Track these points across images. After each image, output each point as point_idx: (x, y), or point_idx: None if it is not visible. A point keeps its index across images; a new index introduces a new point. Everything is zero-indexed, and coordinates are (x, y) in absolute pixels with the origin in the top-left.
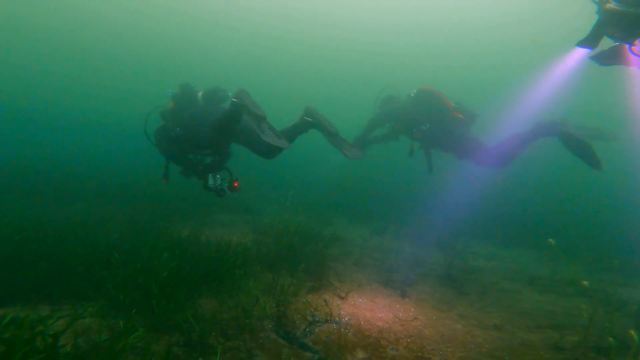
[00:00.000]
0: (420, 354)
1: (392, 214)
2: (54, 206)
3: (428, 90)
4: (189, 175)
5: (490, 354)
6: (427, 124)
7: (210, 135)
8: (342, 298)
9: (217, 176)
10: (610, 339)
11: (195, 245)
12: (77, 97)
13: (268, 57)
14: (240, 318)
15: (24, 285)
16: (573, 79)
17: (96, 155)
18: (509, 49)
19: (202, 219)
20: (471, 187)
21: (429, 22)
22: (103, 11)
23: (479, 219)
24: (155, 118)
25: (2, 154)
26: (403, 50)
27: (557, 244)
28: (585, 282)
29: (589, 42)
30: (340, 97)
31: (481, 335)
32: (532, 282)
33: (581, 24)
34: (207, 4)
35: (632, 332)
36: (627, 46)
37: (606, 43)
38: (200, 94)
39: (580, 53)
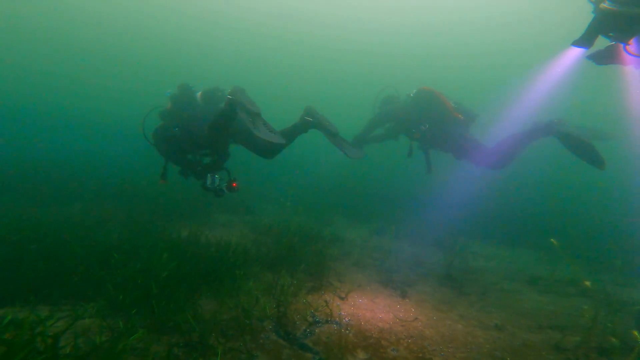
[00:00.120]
0: (421, 355)
1: (392, 214)
2: (53, 206)
3: (428, 91)
4: (188, 175)
5: (491, 355)
6: (426, 124)
7: (208, 134)
8: (342, 298)
9: (216, 176)
10: (614, 340)
11: (195, 245)
12: (75, 97)
13: (268, 57)
14: (241, 318)
15: (23, 286)
16: (569, 78)
17: (95, 155)
18: (509, 49)
19: (202, 219)
20: (470, 187)
21: (428, 23)
22: (102, 11)
23: (478, 219)
24: (154, 118)
25: (0, 154)
26: (403, 50)
27: (557, 244)
28: (587, 283)
29: (584, 41)
30: (340, 97)
31: (482, 335)
32: (532, 282)
33: (581, 24)
34: (206, 3)
35: (635, 332)
36: (622, 45)
37: (603, 43)
38: (199, 94)
39: (576, 52)
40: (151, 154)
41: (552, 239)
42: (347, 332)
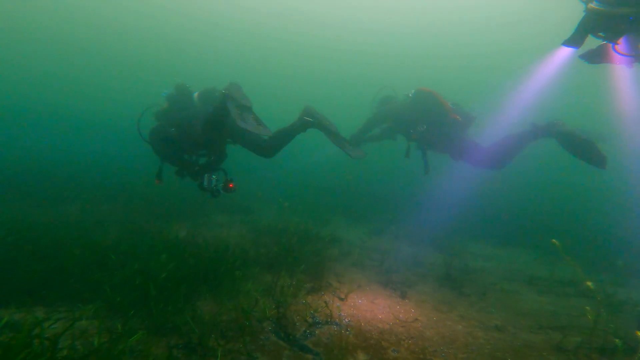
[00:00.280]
0: (422, 356)
1: (390, 214)
2: (50, 206)
3: (426, 91)
4: (184, 175)
5: (493, 356)
6: (424, 125)
7: (202, 132)
8: (342, 299)
9: (213, 177)
10: (617, 341)
11: (193, 246)
12: (72, 97)
13: (266, 58)
14: (240, 320)
15: (19, 287)
16: (561, 77)
17: (92, 155)
18: (508, 50)
19: (200, 220)
20: (467, 188)
21: (427, 23)
22: (100, 11)
23: (477, 219)
24: (149, 117)
25: None
26: (401, 50)
27: (558, 245)
28: (589, 284)
29: (573, 41)
30: (339, 97)
31: (483, 336)
32: (531, 282)
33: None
34: (205, 4)
35: (638, 333)
36: (611, 45)
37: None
38: (196, 94)
39: (566, 52)
40: (148, 154)
41: (553, 240)
42: (348, 333)
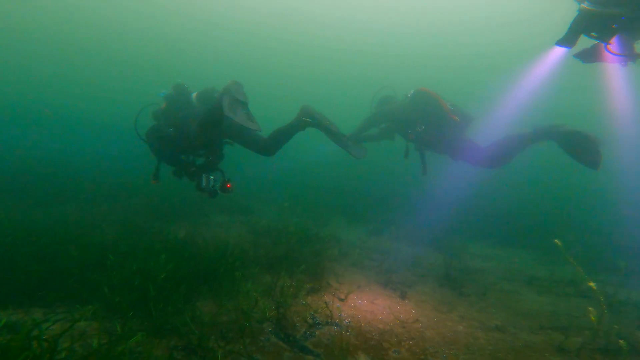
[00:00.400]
0: (423, 357)
1: (389, 215)
2: (48, 207)
3: (424, 92)
4: (181, 176)
5: (494, 357)
6: (422, 126)
7: (199, 132)
8: (341, 300)
9: (210, 177)
10: (622, 342)
11: (193, 246)
12: (71, 97)
13: (266, 58)
14: (240, 321)
15: (16, 288)
16: (553, 77)
17: (91, 155)
18: (508, 50)
19: (199, 220)
20: (466, 188)
21: (426, 23)
22: (100, 11)
23: (476, 219)
24: (146, 116)
25: None
26: (401, 50)
27: (560, 245)
28: (592, 284)
29: (566, 40)
30: (338, 97)
31: (483, 337)
32: (531, 282)
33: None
34: (205, 4)
35: None
36: (603, 45)
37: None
38: (194, 95)
39: (559, 52)
40: (147, 154)
41: (555, 240)
42: (348, 334)
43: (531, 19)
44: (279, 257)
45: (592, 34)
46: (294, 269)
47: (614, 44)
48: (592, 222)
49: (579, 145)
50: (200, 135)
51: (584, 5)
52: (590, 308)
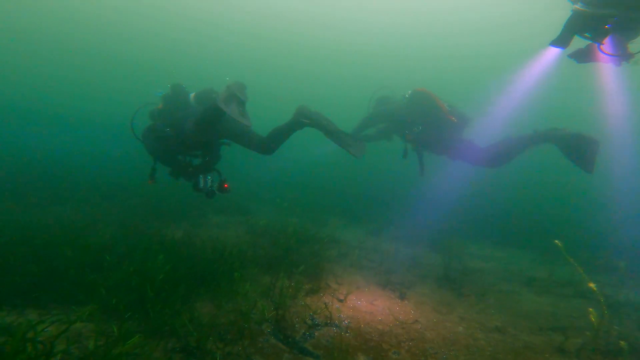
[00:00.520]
0: (423, 358)
1: (388, 215)
2: (44, 206)
3: (422, 92)
4: (178, 176)
5: (494, 357)
6: (419, 126)
7: (196, 131)
8: (341, 300)
9: (208, 177)
10: (622, 343)
11: (191, 247)
12: (70, 97)
13: (266, 58)
14: (239, 322)
15: (11, 289)
16: (547, 77)
17: (88, 155)
18: (508, 50)
19: (197, 220)
20: (465, 188)
21: (425, 24)
22: (100, 11)
23: (474, 219)
24: (143, 115)
25: None
26: (401, 50)
27: (561, 246)
28: (592, 285)
29: (560, 41)
30: (337, 97)
31: (483, 338)
32: (530, 283)
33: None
34: (204, 4)
35: None
36: (597, 45)
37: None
38: (192, 95)
39: (553, 52)
40: (144, 154)
41: (556, 241)
42: (347, 335)
43: (530, 19)
44: (278, 258)
45: (586, 34)
46: (293, 269)
47: (607, 44)
48: (592, 223)
49: (578, 149)
50: (197, 134)
51: (577, 6)
52: (590, 309)
